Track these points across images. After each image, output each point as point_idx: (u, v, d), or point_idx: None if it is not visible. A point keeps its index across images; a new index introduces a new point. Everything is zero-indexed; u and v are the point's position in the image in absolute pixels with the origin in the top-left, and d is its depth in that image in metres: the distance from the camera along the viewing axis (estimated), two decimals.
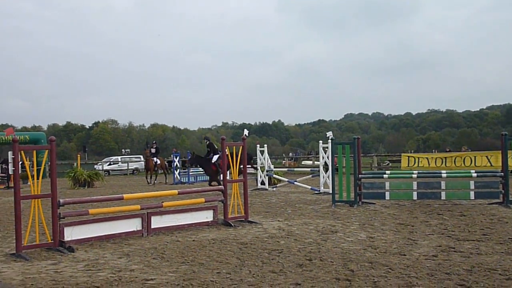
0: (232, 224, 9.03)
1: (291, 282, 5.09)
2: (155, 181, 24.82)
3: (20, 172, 7.22)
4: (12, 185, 8.33)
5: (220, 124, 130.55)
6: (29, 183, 7.71)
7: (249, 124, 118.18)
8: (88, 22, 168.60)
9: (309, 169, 20.68)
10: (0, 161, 28.14)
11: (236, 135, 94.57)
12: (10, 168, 23.38)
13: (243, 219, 9.45)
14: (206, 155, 18.81)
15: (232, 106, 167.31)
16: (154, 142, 27.91)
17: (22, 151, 7.32)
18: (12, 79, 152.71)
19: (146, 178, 24.84)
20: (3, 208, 13.89)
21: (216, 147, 18.84)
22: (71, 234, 7.43)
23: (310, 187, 16.37)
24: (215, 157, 18.12)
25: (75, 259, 6.57)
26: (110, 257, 6.63)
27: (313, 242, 7.33)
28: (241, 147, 9.72)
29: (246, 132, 10.33)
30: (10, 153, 22.63)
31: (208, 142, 19.34)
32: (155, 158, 24.82)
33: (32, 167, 14.67)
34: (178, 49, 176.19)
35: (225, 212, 9.26)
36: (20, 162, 7.34)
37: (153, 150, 25.21)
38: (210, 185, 17.95)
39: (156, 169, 24.98)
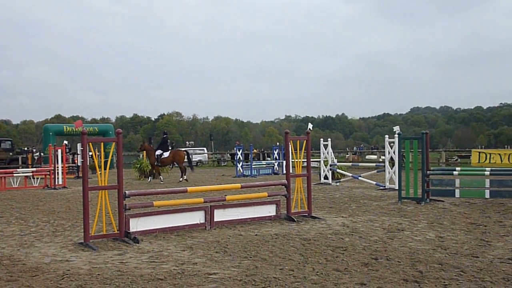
0: (295, 219, 8.91)
1: (356, 282, 4.92)
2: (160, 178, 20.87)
3: (88, 163, 7.40)
4: (81, 175, 8.56)
5: (283, 117, 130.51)
6: (97, 173, 7.90)
7: (312, 117, 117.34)
8: (156, 16, 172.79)
9: (374, 164, 20.21)
10: (71, 152, 29.24)
11: (299, 129, 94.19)
12: (79, 159, 24.31)
13: (307, 214, 9.31)
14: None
15: (295, 99, 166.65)
16: (163, 132, 23.34)
17: (90, 143, 7.49)
18: (84, 73, 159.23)
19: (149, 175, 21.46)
20: (73, 198, 14.43)
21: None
22: (136, 225, 7.56)
23: (375, 182, 15.98)
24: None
25: (140, 250, 6.67)
26: (174, 250, 6.68)
27: (379, 240, 7.09)
28: (305, 141, 9.57)
29: (310, 126, 10.14)
30: (79, 144, 23.52)
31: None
32: (165, 153, 20.69)
33: (100, 158, 15.17)
34: (243, 42, 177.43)
35: (288, 207, 9.15)
36: (90, 154, 7.52)
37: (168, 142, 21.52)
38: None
39: (160, 165, 20.75)
